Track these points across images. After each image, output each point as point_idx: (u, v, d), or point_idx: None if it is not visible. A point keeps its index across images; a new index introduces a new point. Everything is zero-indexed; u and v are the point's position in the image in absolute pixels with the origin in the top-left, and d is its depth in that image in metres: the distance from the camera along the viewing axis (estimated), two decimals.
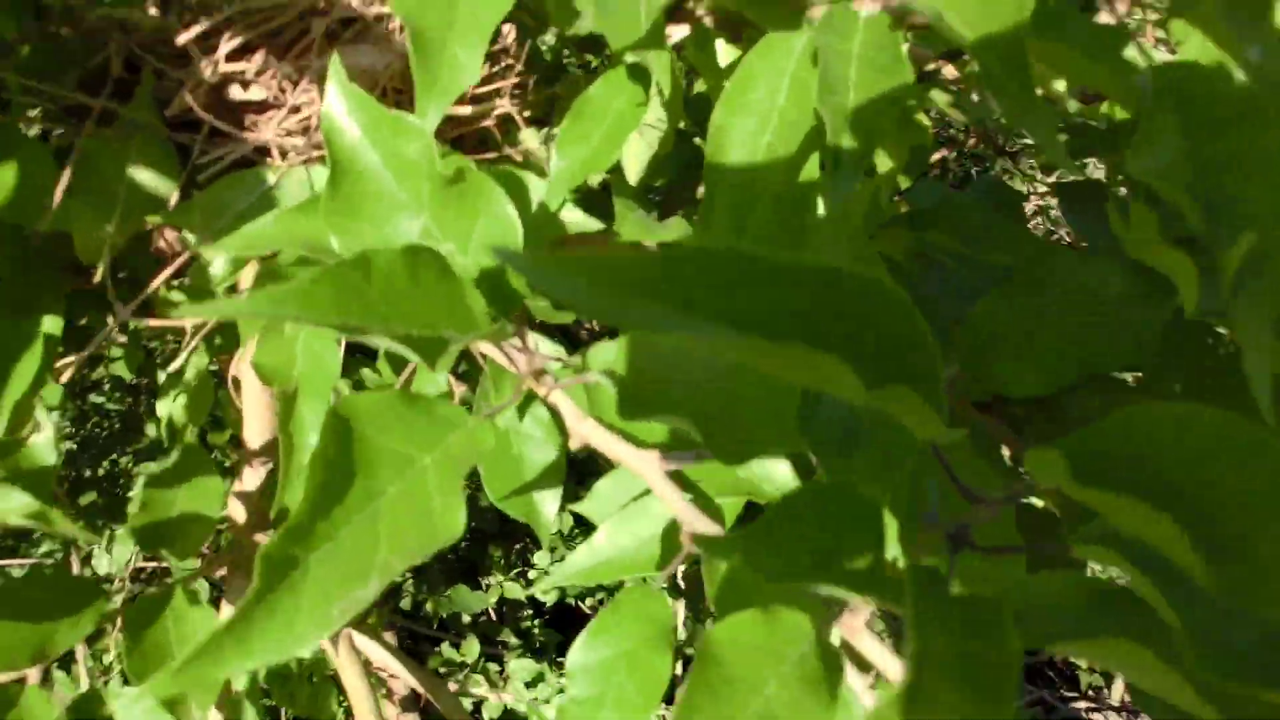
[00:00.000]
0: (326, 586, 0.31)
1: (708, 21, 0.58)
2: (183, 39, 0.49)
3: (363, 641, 0.76)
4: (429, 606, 1.97)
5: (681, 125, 0.65)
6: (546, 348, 0.56)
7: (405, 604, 1.93)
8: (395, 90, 0.58)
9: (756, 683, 0.23)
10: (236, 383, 0.71)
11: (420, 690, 0.87)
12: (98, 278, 0.55)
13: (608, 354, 0.41)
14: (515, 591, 1.94)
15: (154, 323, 0.56)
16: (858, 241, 0.36)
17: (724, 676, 0.25)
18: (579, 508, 0.62)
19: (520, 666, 1.78)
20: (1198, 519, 0.18)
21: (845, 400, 0.30)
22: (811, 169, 0.39)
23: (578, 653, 0.36)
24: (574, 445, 0.41)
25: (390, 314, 0.32)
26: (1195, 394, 0.37)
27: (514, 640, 1.94)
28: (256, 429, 0.68)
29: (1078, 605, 0.23)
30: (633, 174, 0.65)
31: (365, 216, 0.39)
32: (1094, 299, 0.39)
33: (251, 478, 0.69)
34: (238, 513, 0.69)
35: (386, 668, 0.76)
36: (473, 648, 1.84)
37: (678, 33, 0.59)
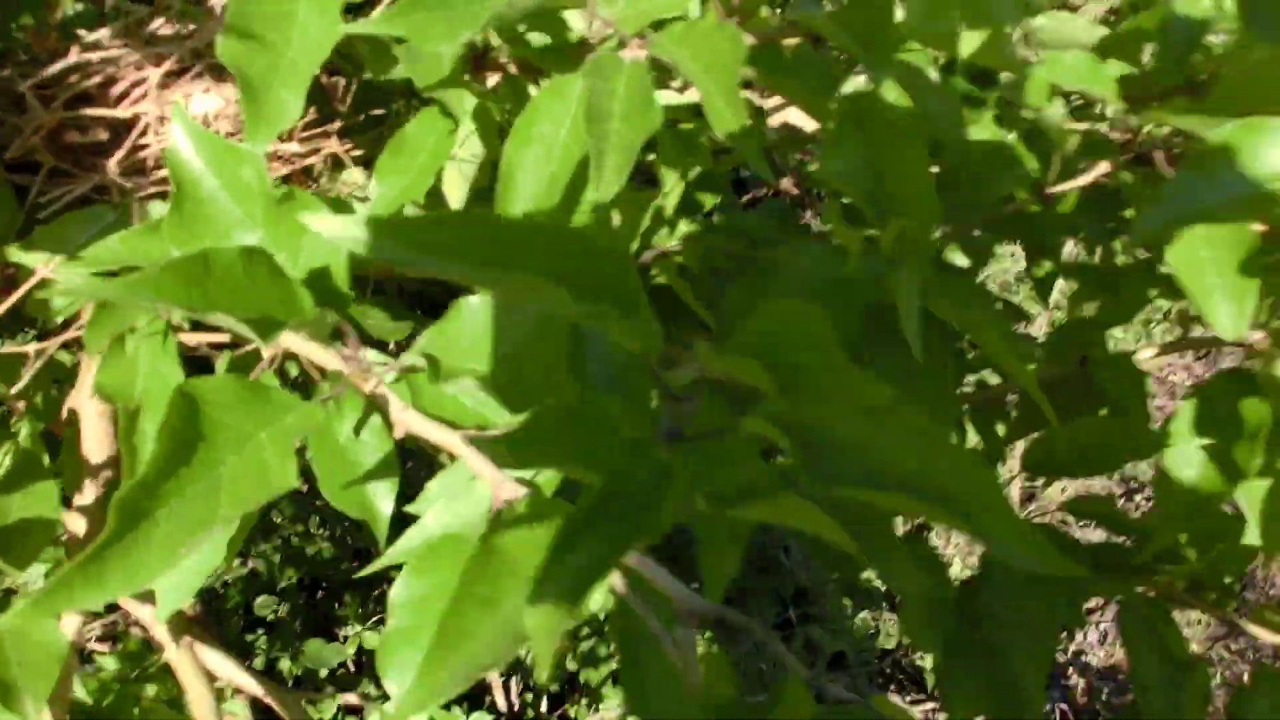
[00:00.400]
0: (174, 535, 0.36)
1: (513, 69, 0.67)
2: (23, 87, 0.54)
3: (206, 653, 0.79)
4: (283, 665, 1.93)
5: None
6: (374, 356, 0.62)
7: (259, 663, 1.89)
8: (228, 134, 0.64)
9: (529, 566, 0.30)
10: (72, 414, 0.74)
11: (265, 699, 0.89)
12: None
13: (423, 343, 0.48)
14: (374, 641, 1.93)
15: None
16: (619, 236, 0.45)
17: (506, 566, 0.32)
18: (411, 507, 0.68)
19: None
20: (794, 380, 0.27)
21: (604, 353, 0.38)
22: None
23: (399, 589, 0.42)
24: (398, 434, 0.48)
25: (229, 303, 0.38)
26: (887, 344, 0.48)
27: (374, 691, 1.93)
28: (95, 446, 0.71)
29: (770, 484, 0.31)
30: (454, 204, 0.73)
31: (206, 234, 0.45)
32: (817, 280, 0.48)
33: (91, 490, 0.71)
34: (77, 526, 0.72)
35: (230, 679, 0.79)
36: (330, 703, 1.83)
37: (492, 79, 0.67)
